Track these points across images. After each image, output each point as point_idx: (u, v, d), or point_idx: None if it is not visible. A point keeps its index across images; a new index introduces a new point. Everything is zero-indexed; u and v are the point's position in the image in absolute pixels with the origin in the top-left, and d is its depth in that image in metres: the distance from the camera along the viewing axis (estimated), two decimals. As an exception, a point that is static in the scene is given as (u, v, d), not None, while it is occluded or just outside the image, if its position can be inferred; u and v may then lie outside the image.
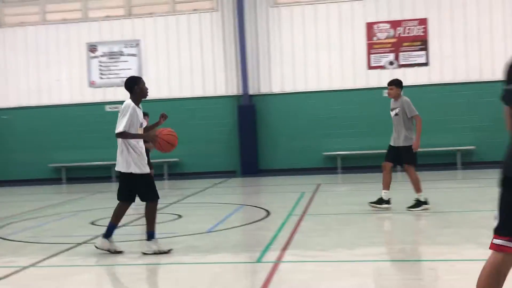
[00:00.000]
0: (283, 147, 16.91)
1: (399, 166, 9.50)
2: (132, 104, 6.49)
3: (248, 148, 16.78)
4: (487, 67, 15.93)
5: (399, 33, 16.22)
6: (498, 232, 3.22)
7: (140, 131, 6.49)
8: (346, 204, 9.99)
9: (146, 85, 6.66)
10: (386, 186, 8.90)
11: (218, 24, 17.20)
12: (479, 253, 6.01)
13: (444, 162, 16.00)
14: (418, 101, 15.97)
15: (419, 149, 8.92)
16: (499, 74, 15.82)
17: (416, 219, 8.23)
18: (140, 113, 6.53)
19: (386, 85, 9.17)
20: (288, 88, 16.94)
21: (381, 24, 16.36)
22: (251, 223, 8.43)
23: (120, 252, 6.56)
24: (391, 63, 16.28)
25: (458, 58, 16.01)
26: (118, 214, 6.62)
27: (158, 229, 8.11)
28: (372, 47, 16.41)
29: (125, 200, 6.59)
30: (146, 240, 6.52)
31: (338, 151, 16.43)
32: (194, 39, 17.33)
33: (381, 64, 16.33)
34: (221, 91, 17.20)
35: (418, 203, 8.70)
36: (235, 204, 10.67)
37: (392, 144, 8.99)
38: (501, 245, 3.17)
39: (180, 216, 9.26)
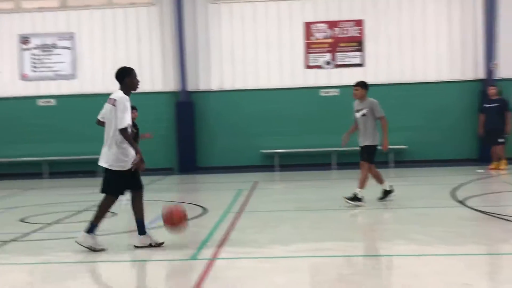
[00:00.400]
0: (222, 145, 16.88)
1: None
2: (126, 96, 6.41)
3: (186, 145, 16.64)
4: (419, 69, 16.43)
5: (336, 34, 16.50)
6: None
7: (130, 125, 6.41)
8: (283, 201, 10.07)
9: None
10: (381, 181, 9.34)
11: (156, 19, 16.95)
12: (410, 248, 6.20)
13: (377, 161, 16.36)
14: (354, 101, 16.41)
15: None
16: (431, 76, 16.38)
17: (350, 216, 8.39)
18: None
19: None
20: (227, 86, 16.91)
21: (318, 24, 16.59)
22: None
23: (103, 250, 6.37)
24: (328, 63, 16.54)
25: (392, 59, 16.44)
26: (104, 209, 6.46)
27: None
28: (310, 46, 16.61)
29: (115, 194, 6.47)
30: (138, 234, 6.48)
31: (276, 149, 16.54)
32: (131, 34, 17.01)
33: (318, 63, 16.56)
34: (158, 87, 16.97)
35: (355, 198, 8.89)
36: (172, 202, 10.53)
37: (359, 144, 9.24)
38: None
39: (114, 214, 9.07)
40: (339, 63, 16.53)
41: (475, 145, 16.20)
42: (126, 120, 6.27)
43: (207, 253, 6.16)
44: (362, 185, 9.00)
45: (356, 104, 9.35)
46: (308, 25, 16.61)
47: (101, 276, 5.68)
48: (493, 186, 11.28)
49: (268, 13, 16.78)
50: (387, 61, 16.43)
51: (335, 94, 16.48)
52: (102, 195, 6.50)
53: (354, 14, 16.48)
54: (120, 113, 6.27)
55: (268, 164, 16.63)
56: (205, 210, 9.16)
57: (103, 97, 6.99)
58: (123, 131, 6.26)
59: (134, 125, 6.73)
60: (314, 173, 14.93)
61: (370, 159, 9.15)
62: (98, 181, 6.67)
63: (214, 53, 16.89)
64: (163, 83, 16.98)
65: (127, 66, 6.84)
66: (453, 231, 6.88)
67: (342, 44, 16.48)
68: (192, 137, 16.71)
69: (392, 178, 14.14)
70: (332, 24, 16.51)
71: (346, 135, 9.42)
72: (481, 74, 16.18)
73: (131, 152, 6.38)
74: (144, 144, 17.02)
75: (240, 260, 5.86)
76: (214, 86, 16.92)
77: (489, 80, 15.88)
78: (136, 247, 6.46)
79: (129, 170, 6.36)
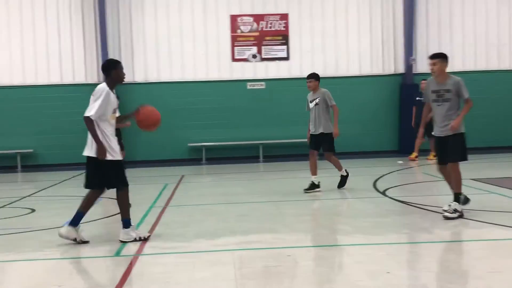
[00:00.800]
0: (147, 138, 16.56)
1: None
2: (107, 88, 6.26)
3: (110, 139, 16.22)
4: (343, 63, 16.78)
5: (262, 27, 16.57)
6: None
7: (114, 117, 6.39)
8: (209, 195, 10.02)
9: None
10: (314, 172, 9.67)
11: (77, 8, 16.38)
12: (333, 238, 6.32)
13: (304, 153, 16.63)
14: (279, 94, 16.59)
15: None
16: (354, 70, 16.77)
17: (276, 208, 8.44)
18: (114, 98, 6.34)
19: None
20: (152, 78, 16.62)
21: (244, 17, 16.60)
22: (110, 216, 8.14)
23: (86, 242, 6.26)
24: (254, 56, 16.59)
25: (316, 54, 16.70)
26: (88, 202, 6.42)
27: (10, 224, 7.59)
28: (236, 39, 16.60)
29: (95, 188, 6.41)
30: (123, 228, 6.34)
31: (203, 142, 16.45)
32: (51, 23, 16.34)
33: (245, 56, 16.59)
34: (80, 78, 16.44)
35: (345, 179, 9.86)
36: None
37: (312, 132, 9.74)
38: None
39: (33, 210, 8.72)
40: (265, 56, 16.62)
41: (395, 137, 16.77)
42: (94, 109, 6.13)
43: (131, 249, 6.03)
44: (340, 168, 9.85)
45: (310, 95, 9.94)
46: (234, 18, 16.58)
47: (18, 275, 5.43)
48: (412, 177, 11.70)
49: (194, 5, 16.61)
50: (311, 55, 16.68)
51: (262, 87, 16.58)
52: None
53: (279, 8, 16.61)
54: (91, 102, 6.22)
55: (195, 158, 16.53)
56: (129, 205, 8.95)
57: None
58: (87, 119, 6.15)
59: None
60: (241, 166, 14.97)
61: (332, 149, 9.75)
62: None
63: (137, 45, 16.54)
64: (85, 74, 16.47)
65: (114, 59, 6.84)
66: (375, 221, 7.08)
67: (268, 38, 16.57)
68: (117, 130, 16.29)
69: (318, 169, 14.42)
70: (258, 18, 16.57)
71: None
72: (401, 69, 16.75)
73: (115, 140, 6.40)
74: (65, 139, 16.48)
75: (165, 256, 5.77)
76: (139, 78, 16.58)
77: (408, 74, 16.47)
78: (60, 235, 6.27)
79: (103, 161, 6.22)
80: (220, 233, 6.71)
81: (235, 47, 16.59)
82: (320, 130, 9.62)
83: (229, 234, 6.66)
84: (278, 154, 16.40)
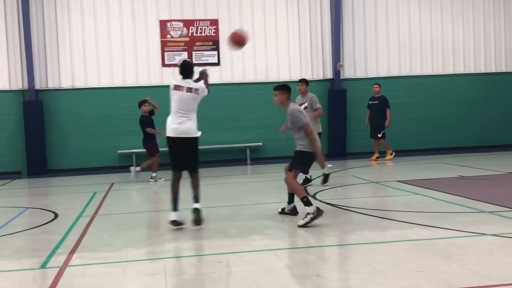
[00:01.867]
0: (75, 146, 16.15)
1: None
2: None
3: (35, 147, 15.68)
4: (273, 68, 16.97)
5: (192, 33, 16.51)
6: None
7: None
8: (139, 202, 9.88)
9: None
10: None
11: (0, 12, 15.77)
12: (264, 243, 6.37)
13: (235, 158, 16.71)
14: (210, 100, 16.49)
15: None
16: (284, 75, 16.99)
17: (208, 213, 8.41)
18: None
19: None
20: (79, 84, 16.20)
21: (174, 23, 16.49)
22: (36, 227, 7.86)
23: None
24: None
25: (247, 59, 16.81)
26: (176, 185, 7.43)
27: None
28: (166, 44, 16.45)
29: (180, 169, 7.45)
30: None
31: (133, 149, 16.17)
32: (-29, 27, 15.66)
33: (175, 62, 16.46)
34: (3, 85, 15.82)
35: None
36: (19, 208, 9.87)
37: None
38: None
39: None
40: (195, 61, 16.55)
41: (324, 140, 17.09)
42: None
43: (58, 260, 5.84)
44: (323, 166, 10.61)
45: (299, 99, 10.72)
46: (163, 23, 16.44)
47: None
48: (341, 180, 11.95)
49: (122, 9, 16.36)
50: (242, 61, 16.78)
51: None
52: None
53: (209, 14, 16.61)
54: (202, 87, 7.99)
55: (125, 165, 16.20)
56: (56, 215, 8.69)
57: None
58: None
59: None
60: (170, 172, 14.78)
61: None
62: None
63: (64, 50, 16.10)
64: (9, 80, 15.87)
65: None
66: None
67: (198, 43, 16.53)
68: (42, 138, 15.79)
69: (249, 174, 14.52)
70: (188, 23, 16.50)
71: (284, 128, 10.24)
72: (329, 74, 17.12)
73: None
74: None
75: (93, 266, 5.63)
76: (65, 84, 16.13)
77: (336, 79, 16.87)
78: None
79: None
80: (150, 242, 6.62)
81: (165, 52, 16.45)
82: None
83: (160, 242, 6.58)
84: (209, 160, 16.36)
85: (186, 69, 7.74)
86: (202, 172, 8.58)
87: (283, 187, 10.40)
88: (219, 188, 11.45)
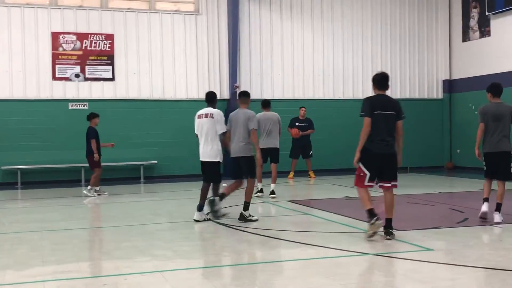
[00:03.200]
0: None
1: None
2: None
3: None
4: (169, 86, 16.83)
5: (86, 46, 16.04)
6: None
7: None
8: (22, 222, 9.35)
9: None
10: (259, 180, 11.76)
11: None
12: (152, 264, 6.24)
13: (129, 176, 16.33)
14: (104, 116, 16.08)
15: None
16: (180, 94, 16.90)
17: (95, 234, 8.14)
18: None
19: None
20: (-40, 95, 15.19)
21: (67, 35, 15.94)
22: None
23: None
24: (77, 75, 15.97)
25: (142, 76, 16.56)
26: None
27: None
28: (57, 57, 15.85)
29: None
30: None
31: (18, 165, 15.34)
32: None
33: (67, 75, 15.90)
34: None
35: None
36: None
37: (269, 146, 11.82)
38: None
39: None
40: (89, 76, 16.09)
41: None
42: None
43: None
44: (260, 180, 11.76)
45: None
46: (55, 35, 15.84)
47: None
48: (234, 200, 12.02)
49: (12, 18, 15.59)
50: (138, 77, 16.51)
51: (85, 107, 15.97)
52: None
53: (104, 28, 16.24)
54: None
55: (9, 182, 15.35)
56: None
57: None
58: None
59: None
60: (61, 190, 14.20)
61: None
62: None
63: None
64: None
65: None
66: (195, 244, 7.14)
67: (92, 57, 16.08)
68: None
69: (142, 194, 14.23)
70: (82, 36, 16.02)
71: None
72: (226, 95, 17.27)
73: None
74: None
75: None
76: None
77: (233, 100, 17.04)
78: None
79: None
80: (31, 263, 6.28)
81: (57, 65, 15.83)
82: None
83: (41, 264, 6.25)
84: (101, 178, 15.86)
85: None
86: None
87: (176, 206, 10.28)
88: (108, 208, 11.12)
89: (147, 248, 6.96)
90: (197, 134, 9.25)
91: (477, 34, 18.02)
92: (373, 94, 7.47)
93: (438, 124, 19.28)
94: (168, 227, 8.53)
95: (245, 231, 8.02)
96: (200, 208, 8.84)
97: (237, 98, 10.20)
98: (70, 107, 16.00)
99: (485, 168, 8.53)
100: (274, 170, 12.04)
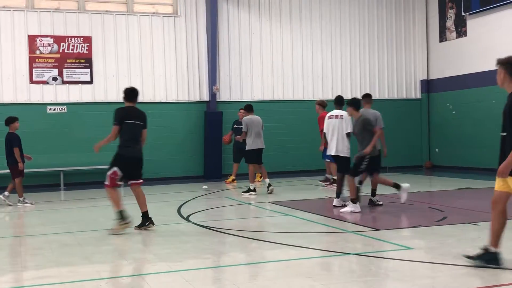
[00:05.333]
0: None
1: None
2: None
3: None
4: (149, 89, 16.71)
5: (63, 49, 15.89)
6: None
7: None
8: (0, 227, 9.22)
9: None
10: (252, 180, 12.58)
11: None
12: (133, 268, 6.20)
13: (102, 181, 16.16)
14: (82, 119, 15.94)
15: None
16: (160, 96, 16.82)
17: (75, 239, 8.05)
18: None
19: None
20: None
21: (44, 38, 15.77)
22: None
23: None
24: (54, 78, 15.81)
25: (121, 78, 16.44)
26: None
27: None
28: (34, 60, 15.67)
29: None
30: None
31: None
32: None
33: (44, 79, 15.73)
34: None
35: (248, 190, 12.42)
36: None
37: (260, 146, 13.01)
38: None
39: None
40: (67, 79, 15.94)
41: (201, 162, 17.13)
42: None
43: None
44: (253, 180, 12.61)
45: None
46: (32, 38, 15.67)
47: None
48: (215, 201, 12.01)
49: (-14, 21, 15.38)
50: (117, 80, 16.39)
51: (63, 111, 15.83)
52: None
53: (82, 31, 16.10)
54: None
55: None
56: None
57: None
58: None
59: None
60: (39, 194, 14.02)
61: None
62: None
63: None
64: None
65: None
66: (177, 247, 7.10)
67: (70, 60, 15.93)
68: None
69: (123, 198, 14.08)
70: (59, 39, 15.86)
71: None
72: (205, 97, 17.24)
73: None
74: None
75: None
76: None
77: (212, 102, 17.02)
78: None
79: None
80: (9, 269, 6.19)
81: (34, 69, 15.66)
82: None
83: (20, 269, 6.18)
84: (80, 182, 15.75)
85: None
86: (74, 194, 8.19)
87: (156, 209, 10.23)
88: (88, 212, 11.01)
89: (130, 252, 6.91)
90: (325, 133, 10.45)
91: (454, 34, 18.25)
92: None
93: (416, 124, 19.45)
94: (148, 230, 8.47)
95: (226, 233, 8.00)
96: (337, 195, 10.08)
97: (362, 99, 10.56)
98: (48, 111, 15.83)
99: None
100: (263, 168, 13.19)
